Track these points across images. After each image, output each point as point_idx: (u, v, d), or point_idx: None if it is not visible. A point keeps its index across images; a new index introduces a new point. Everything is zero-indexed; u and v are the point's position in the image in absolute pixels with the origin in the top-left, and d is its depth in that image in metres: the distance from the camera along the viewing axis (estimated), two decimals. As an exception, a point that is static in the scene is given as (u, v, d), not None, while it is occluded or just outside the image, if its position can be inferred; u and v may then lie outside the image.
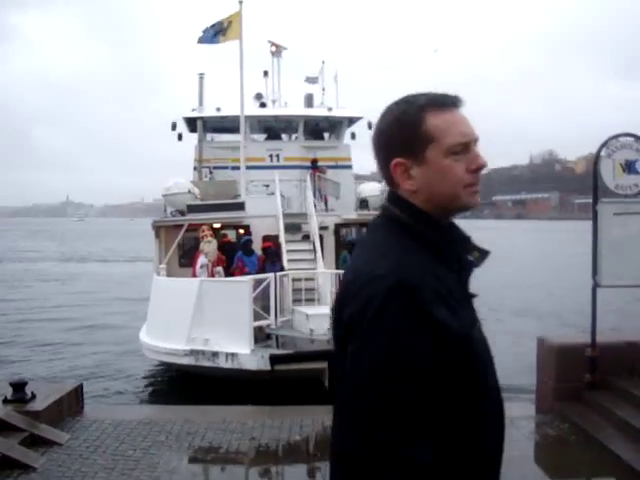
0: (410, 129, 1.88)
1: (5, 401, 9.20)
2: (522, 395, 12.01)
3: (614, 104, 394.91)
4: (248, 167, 21.87)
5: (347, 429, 1.76)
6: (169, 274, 16.36)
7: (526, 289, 33.29)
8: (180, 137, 24.33)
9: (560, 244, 69.38)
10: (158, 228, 17.20)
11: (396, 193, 1.99)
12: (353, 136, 23.74)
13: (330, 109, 22.45)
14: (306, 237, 18.21)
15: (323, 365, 12.17)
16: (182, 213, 17.97)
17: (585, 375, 9.32)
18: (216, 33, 18.36)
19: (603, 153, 9.30)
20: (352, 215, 18.98)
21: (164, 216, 19.38)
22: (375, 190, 20.80)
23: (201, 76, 22.74)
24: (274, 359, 12.46)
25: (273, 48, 22.80)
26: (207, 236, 15.71)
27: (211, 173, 21.54)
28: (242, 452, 8.53)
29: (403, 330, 1.69)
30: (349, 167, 22.56)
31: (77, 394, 10.22)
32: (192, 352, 13.17)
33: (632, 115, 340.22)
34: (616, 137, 9.37)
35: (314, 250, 17.34)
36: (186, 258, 17.92)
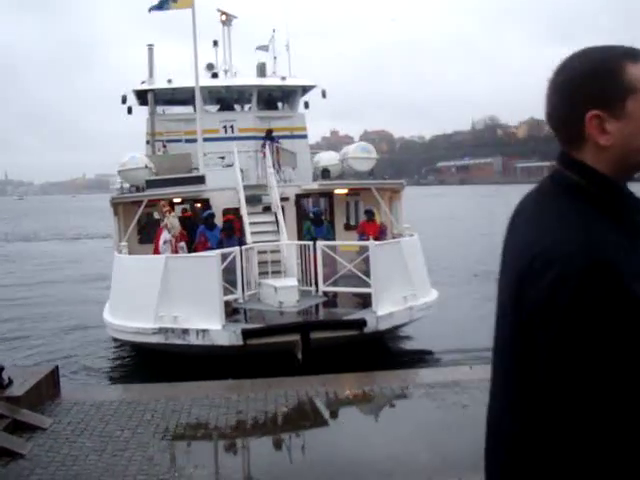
0: (609, 78, 1.72)
1: (-20, 387, 8.95)
2: None
3: (551, 68, 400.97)
4: (203, 139, 21.65)
5: (519, 413, 1.74)
6: (130, 252, 16.06)
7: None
8: (130, 110, 23.70)
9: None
10: (117, 205, 16.75)
11: (570, 156, 1.81)
12: (306, 105, 23.49)
13: (284, 78, 22.18)
14: (267, 209, 18.08)
15: (295, 338, 12.25)
16: (138, 189, 17.61)
17: None
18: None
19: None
20: (313, 185, 18.89)
21: (119, 193, 18.93)
22: (334, 159, 20.73)
23: (150, 47, 22.15)
24: (246, 334, 12.32)
25: (223, 17, 22.34)
26: (168, 211, 15.44)
27: (164, 147, 21.08)
28: (231, 426, 8.50)
29: (606, 315, 1.54)
30: (304, 137, 22.39)
31: (54, 377, 9.99)
32: (161, 330, 12.83)
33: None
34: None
35: (276, 222, 17.26)
36: (145, 234, 17.63)
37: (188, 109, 23.47)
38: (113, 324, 14.37)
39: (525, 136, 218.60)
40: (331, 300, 14.68)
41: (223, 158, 20.37)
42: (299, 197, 18.82)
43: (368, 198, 18.34)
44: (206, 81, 22.24)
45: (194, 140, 21.44)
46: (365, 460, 7.26)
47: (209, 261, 12.95)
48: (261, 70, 22.97)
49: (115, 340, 15.38)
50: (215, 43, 24.19)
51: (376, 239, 15.59)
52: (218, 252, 13.25)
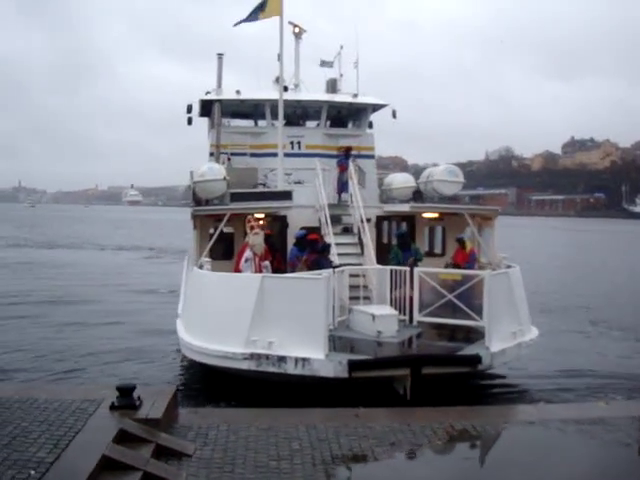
0: None
1: (113, 407, 8.45)
2: None
3: (555, 103, 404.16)
4: (268, 154, 21.24)
5: None
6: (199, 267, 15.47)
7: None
8: (190, 121, 23.43)
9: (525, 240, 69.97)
10: (198, 218, 16.22)
11: None
12: (370, 125, 23.15)
13: (355, 95, 21.80)
14: (345, 230, 17.61)
15: (406, 372, 11.60)
16: (209, 202, 17.17)
17: None
18: (255, 10, 17.64)
19: None
20: (398, 207, 18.42)
21: (189, 204, 18.50)
22: (409, 182, 20.34)
23: (220, 56, 21.80)
24: (353, 365, 11.46)
25: (296, 29, 22.04)
26: (254, 227, 14.95)
27: (229, 160, 20.64)
28: (394, 458, 7.98)
29: None
30: (372, 157, 21.97)
31: (175, 398, 9.51)
32: (253, 356, 11.98)
33: (575, 115, 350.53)
34: None
35: (359, 244, 16.80)
36: (221, 250, 17.12)
37: (251, 122, 23.26)
38: (193, 345, 13.52)
39: (540, 168, 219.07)
40: (427, 331, 14.12)
41: (289, 175, 19.93)
42: (380, 219, 18.36)
43: (453, 223, 17.89)
44: (274, 94, 21.95)
45: (260, 155, 21.15)
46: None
47: (317, 284, 12.13)
48: (332, 85, 22.64)
49: (189, 360, 14.59)
50: (279, 56, 23.95)
51: (465, 268, 15.17)
52: (325, 274, 12.62)
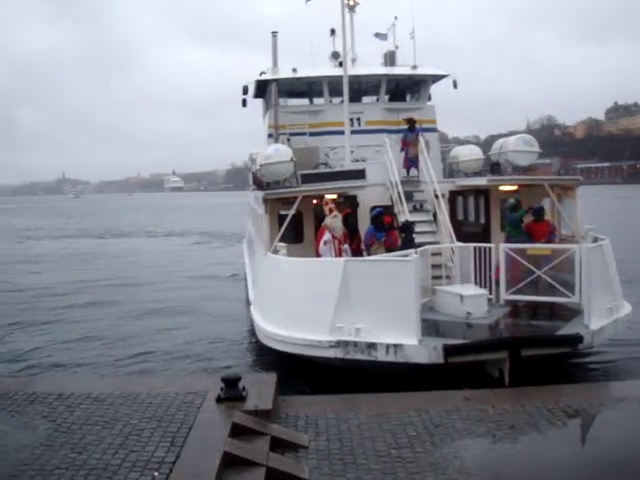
0: None
1: (219, 400, 8.21)
2: None
3: (592, 69, 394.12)
4: (327, 133, 20.85)
5: None
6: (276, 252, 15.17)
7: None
8: (244, 103, 23.16)
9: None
10: (272, 201, 15.88)
11: None
12: (429, 97, 22.56)
13: (414, 67, 21.26)
14: (417, 207, 17.12)
15: (503, 355, 11.12)
16: (270, 185, 16.87)
17: None
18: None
19: None
20: (471, 181, 17.91)
21: (251, 187, 18.23)
22: (476, 154, 19.77)
23: (274, 35, 21.44)
24: (449, 350, 11.04)
25: (351, 1, 21.47)
26: (332, 209, 14.60)
27: (289, 140, 20.24)
28: (517, 443, 7.59)
29: None
30: (434, 130, 21.44)
31: (276, 387, 9.23)
32: (339, 343, 11.62)
33: (615, 80, 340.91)
34: None
35: (434, 221, 16.34)
36: (290, 234, 16.79)
37: (306, 101, 22.87)
38: (272, 333, 13.27)
39: (583, 136, 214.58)
40: (514, 310, 13.64)
41: (351, 152, 19.48)
42: (453, 194, 17.83)
43: (530, 196, 17.29)
44: (332, 70, 21.53)
45: (319, 133, 20.80)
46: None
47: (406, 266, 11.65)
48: (390, 58, 22.11)
49: (267, 348, 14.26)
50: (333, 32, 23.49)
51: (547, 242, 14.55)
52: (413, 255, 12.20)
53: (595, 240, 14.37)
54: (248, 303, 17.99)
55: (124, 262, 35.72)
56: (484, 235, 17.58)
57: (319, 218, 16.86)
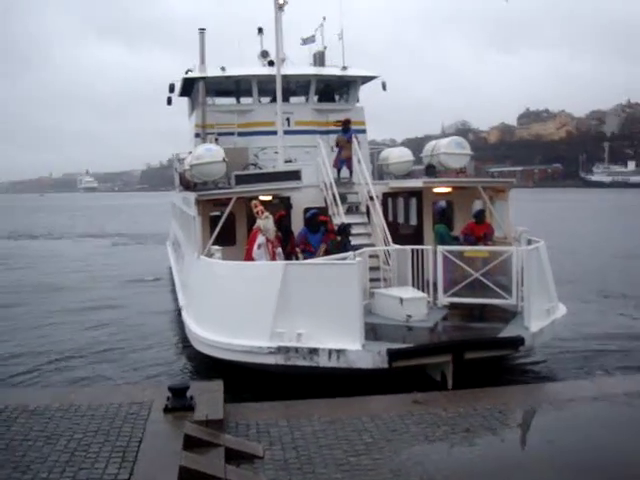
0: None
1: (167, 410, 7.88)
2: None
3: (505, 76, 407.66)
4: (256, 133, 20.60)
5: None
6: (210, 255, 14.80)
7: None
8: (170, 101, 22.71)
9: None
10: (203, 202, 15.47)
11: None
12: (358, 99, 22.64)
13: (345, 68, 21.30)
14: (350, 209, 17.08)
15: (447, 358, 11.16)
16: (197, 185, 16.51)
17: None
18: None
19: None
20: (404, 183, 18.02)
21: (178, 188, 17.79)
22: (406, 156, 19.95)
23: (202, 32, 21.00)
24: (393, 355, 10.89)
25: (281, 0, 21.25)
26: (262, 211, 14.35)
27: (216, 140, 19.88)
28: (475, 447, 7.60)
29: None
30: (364, 131, 21.49)
31: (223, 395, 8.96)
32: (280, 350, 11.38)
33: (528, 87, 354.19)
34: None
35: (369, 223, 16.35)
36: (224, 235, 16.42)
37: (233, 100, 22.54)
38: (208, 340, 12.88)
39: (496, 141, 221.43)
40: (452, 312, 13.73)
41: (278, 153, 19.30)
42: (385, 196, 17.88)
43: (460, 198, 17.54)
44: (262, 70, 21.31)
45: (248, 134, 20.52)
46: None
47: (348, 269, 11.55)
48: (319, 59, 22.05)
49: (202, 355, 13.84)
50: (260, 30, 23.29)
51: (482, 243, 14.81)
52: (357, 258, 12.07)
53: (529, 242, 14.67)
54: (178, 308, 17.54)
55: (41, 265, 34.29)
56: (416, 237, 17.69)
57: (252, 220, 16.66)
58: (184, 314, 15.52)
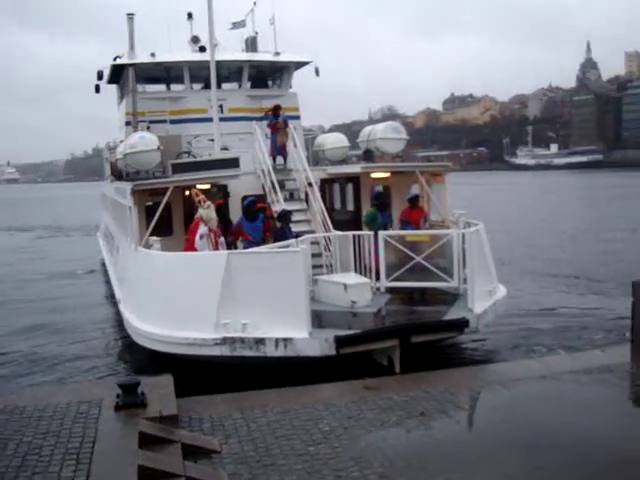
0: None
1: (118, 407, 7.69)
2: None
3: (427, 61, 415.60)
4: (189, 120, 20.26)
5: None
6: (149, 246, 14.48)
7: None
8: (98, 89, 22.11)
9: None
10: (139, 192, 15.08)
11: None
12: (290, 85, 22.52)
13: (277, 53, 21.13)
14: (290, 195, 16.97)
15: (394, 343, 11.26)
16: (138, 173, 16.14)
17: None
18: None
19: None
20: (342, 169, 18.02)
21: (110, 178, 17.37)
22: (341, 142, 19.97)
23: (130, 17, 20.50)
24: (340, 341, 10.92)
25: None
26: (204, 200, 14.11)
27: (148, 128, 19.41)
28: (432, 430, 7.68)
29: None
30: (298, 117, 21.36)
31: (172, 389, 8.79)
32: (226, 340, 11.24)
33: (451, 72, 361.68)
34: None
35: (308, 210, 16.34)
36: (162, 226, 16.10)
37: (163, 87, 22.12)
38: (150, 333, 12.61)
39: (423, 126, 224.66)
40: (395, 297, 13.85)
41: (213, 140, 19.04)
42: (324, 182, 17.86)
43: (398, 183, 17.69)
44: (193, 56, 20.96)
45: (180, 121, 20.17)
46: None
47: (293, 257, 11.44)
48: (252, 44, 21.81)
49: (144, 348, 13.54)
50: (190, 15, 22.87)
51: (418, 228, 15.02)
52: (300, 245, 12.00)
53: (467, 225, 14.91)
54: (114, 301, 17.17)
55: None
56: (355, 222, 17.74)
57: (188, 210, 16.39)
58: (122, 307, 15.21)
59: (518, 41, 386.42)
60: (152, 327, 12.75)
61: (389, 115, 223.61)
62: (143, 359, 13.59)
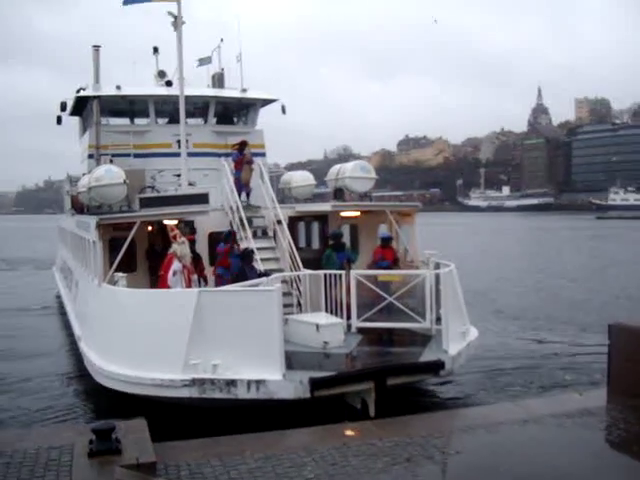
0: None
1: (92, 454, 7.29)
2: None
3: (381, 103, 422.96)
4: (154, 155, 20.04)
5: None
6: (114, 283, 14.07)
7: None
8: (59, 120, 21.73)
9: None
10: (104, 227, 14.69)
11: None
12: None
13: (244, 90, 21.10)
14: (256, 233, 16.78)
15: (369, 385, 11.07)
16: (100, 208, 15.80)
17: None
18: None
19: None
20: (311, 207, 17.94)
21: (70, 212, 16.99)
22: (308, 179, 19.99)
23: (96, 49, 20.30)
24: (315, 384, 10.67)
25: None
26: (178, 236, 13.85)
27: (111, 162, 19.12)
28: (420, 477, 7.49)
29: None
30: (263, 155, 21.30)
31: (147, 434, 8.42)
32: (195, 382, 10.90)
33: (406, 115, 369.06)
34: None
35: (276, 248, 16.18)
36: (125, 262, 15.70)
37: (127, 121, 21.82)
38: (114, 373, 12.16)
39: (377, 166, 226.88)
40: (366, 338, 13.67)
41: (178, 176, 18.82)
42: (293, 220, 17.72)
43: (366, 222, 17.65)
44: (159, 90, 20.83)
45: (145, 155, 19.94)
46: None
47: (267, 296, 11.18)
48: (218, 80, 21.75)
49: (107, 389, 12.96)
50: (156, 50, 22.74)
51: (393, 267, 14.96)
52: (276, 284, 11.72)
53: (437, 266, 14.88)
54: (73, 339, 16.62)
55: None
56: (319, 261, 17.65)
57: (152, 245, 16.08)
58: (82, 345, 14.73)
59: (470, 85, 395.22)
60: (116, 367, 12.31)
61: (344, 155, 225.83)
62: (103, 401, 13.12)
